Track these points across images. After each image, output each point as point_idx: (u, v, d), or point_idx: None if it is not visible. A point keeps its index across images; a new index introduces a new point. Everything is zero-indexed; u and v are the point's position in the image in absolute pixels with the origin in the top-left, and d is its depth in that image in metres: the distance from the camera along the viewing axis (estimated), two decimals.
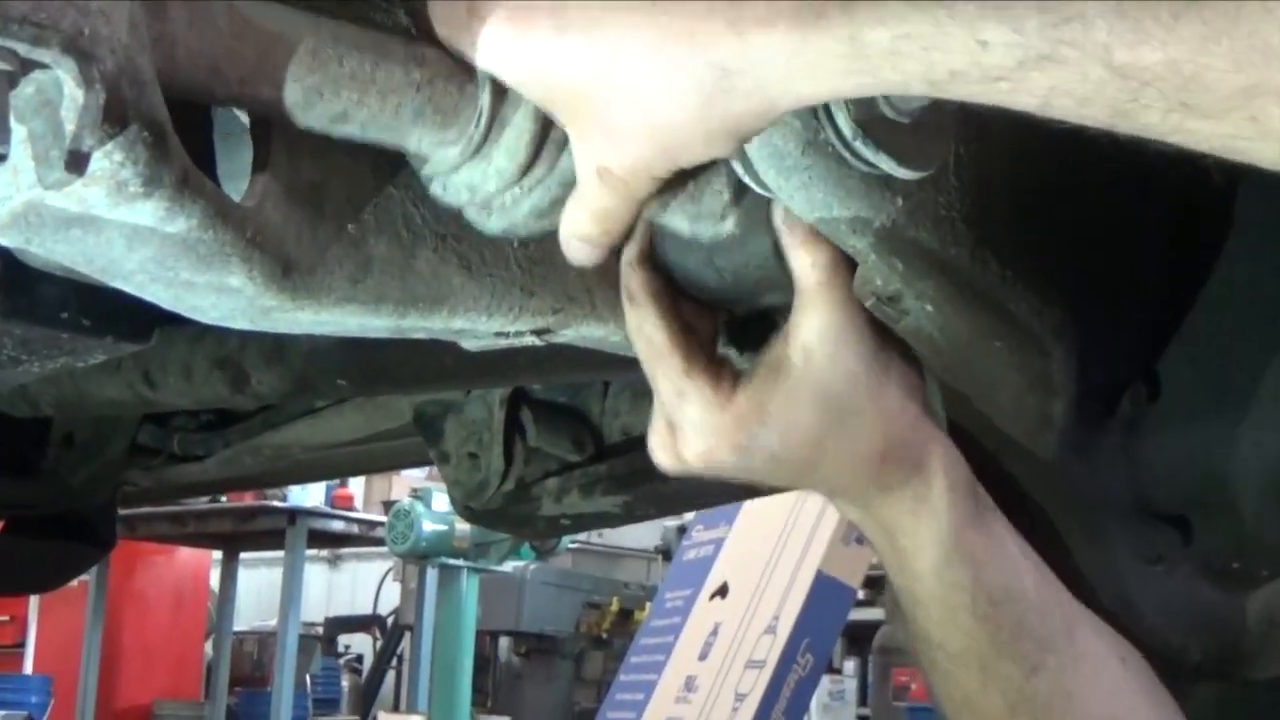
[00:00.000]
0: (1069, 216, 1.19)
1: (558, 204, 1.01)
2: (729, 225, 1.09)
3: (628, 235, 1.02)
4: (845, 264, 1.09)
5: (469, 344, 1.20)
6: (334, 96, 0.93)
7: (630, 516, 2.36)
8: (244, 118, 1.07)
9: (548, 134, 1.01)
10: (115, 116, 0.78)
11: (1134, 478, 1.28)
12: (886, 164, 0.99)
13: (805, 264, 1.09)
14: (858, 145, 0.98)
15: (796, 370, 1.09)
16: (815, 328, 1.09)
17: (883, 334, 1.12)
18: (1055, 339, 1.15)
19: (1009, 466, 1.24)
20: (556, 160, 1.02)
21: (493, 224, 1.06)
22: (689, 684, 5.82)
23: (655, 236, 1.11)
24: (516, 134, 1.01)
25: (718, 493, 2.39)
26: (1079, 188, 1.19)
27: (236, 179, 0.98)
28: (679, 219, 1.08)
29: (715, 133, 0.90)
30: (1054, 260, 1.16)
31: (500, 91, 0.99)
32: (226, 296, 0.96)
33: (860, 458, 1.13)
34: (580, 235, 0.99)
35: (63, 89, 0.75)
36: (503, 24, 0.91)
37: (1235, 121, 0.75)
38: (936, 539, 1.15)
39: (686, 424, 1.14)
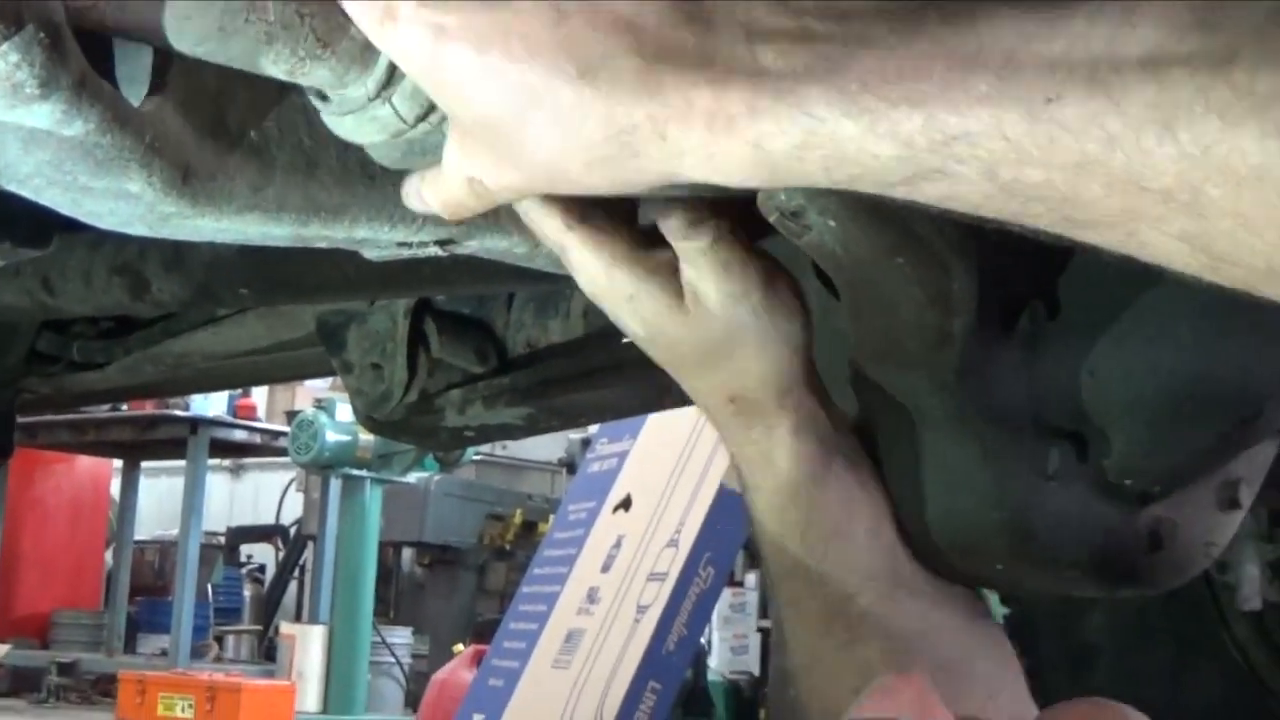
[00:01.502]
0: None
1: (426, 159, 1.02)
2: None
3: None
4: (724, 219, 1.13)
5: (371, 254, 1.19)
6: (229, 58, 0.92)
7: (534, 428, 2.37)
8: None
9: (423, 119, 1.01)
10: (10, 17, 0.77)
11: (1031, 395, 1.29)
12: None
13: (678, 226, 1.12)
14: None
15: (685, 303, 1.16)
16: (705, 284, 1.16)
17: (769, 275, 1.17)
18: (956, 255, 1.16)
19: (909, 382, 1.25)
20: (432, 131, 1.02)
21: (380, 158, 1.05)
22: (591, 595, 5.86)
23: None
24: (388, 116, 1.00)
25: (620, 405, 2.40)
26: None
27: (136, 84, 0.96)
28: None
29: (601, 188, 0.92)
30: None
31: (392, 80, 0.99)
32: (125, 202, 0.95)
33: (716, 393, 1.24)
34: (425, 204, 1.02)
35: None
36: (420, 31, 0.89)
37: (1117, 235, 0.79)
38: (770, 489, 1.27)
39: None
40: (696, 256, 1.12)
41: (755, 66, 0.85)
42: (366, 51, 0.96)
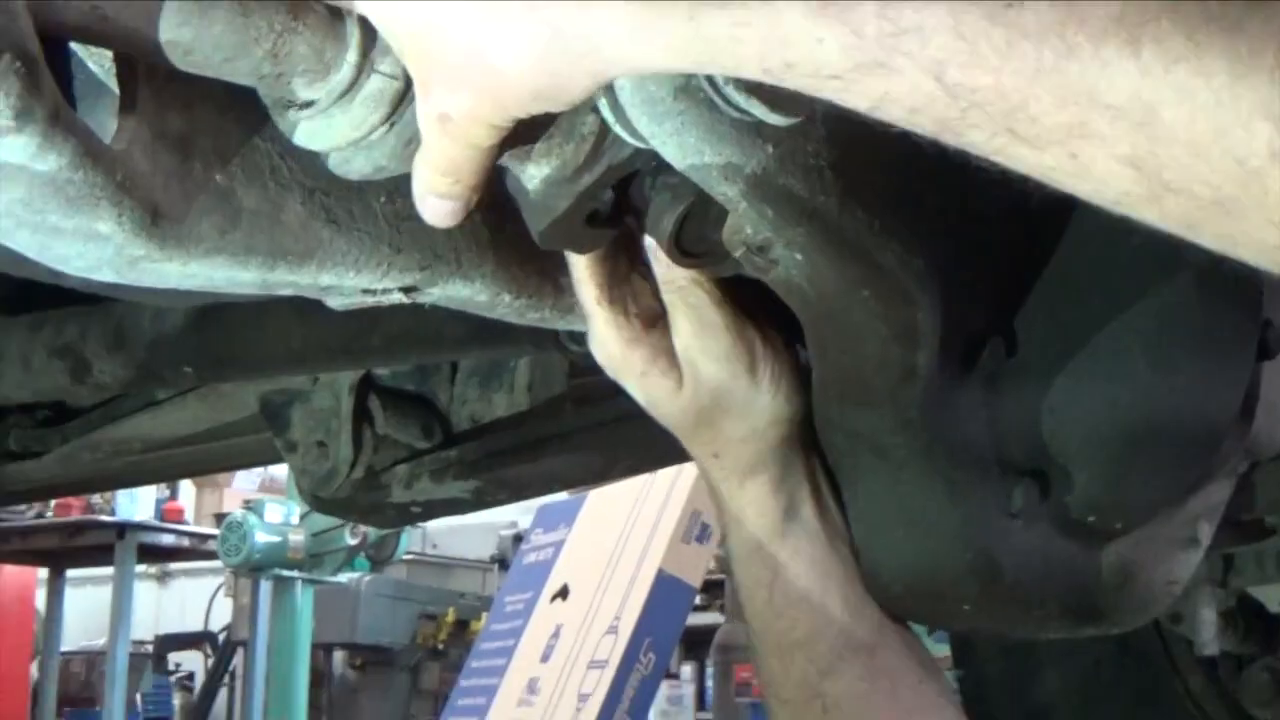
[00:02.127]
0: (930, 168, 1.20)
1: (413, 145, 1.00)
2: (599, 170, 1.08)
3: (481, 190, 1.01)
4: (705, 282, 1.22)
5: (335, 302, 1.18)
6: (206, 38, 0.92)
7: (481, 502, 2.35)
8: (102, 76, 1.06)
9: (410, 88, 1.00)
10: None
11: (993, 432, 1.30)
12: (758, 110, 0.99)
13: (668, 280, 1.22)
14: (729, 91, 0.98)
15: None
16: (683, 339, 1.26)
17: (754, 344, 1.26)
18: (921, 290, 1.16)
19: (873, 420, 1.25)
20: (411, 107, 1.01)
21: (353, 168, 1.04)
22: (531, 686, 5.81)
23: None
24: (381, 84, 1.00)
25: (568, 476, 2.39)
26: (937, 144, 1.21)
27: (100, 129, 0.96)
28: (545, 167, 1.08)
29: (544, 89, 0.90)
30: (917, 212, 1.17)
31: (368, 41, 0.98)
32: (94, 244, 0.94)
33: (703, 450, 1.34)
34: (431, 189, 0.99)
35: None
36: None
37: (1056, 155, 0.77)
38: (740, 540, 1.33)
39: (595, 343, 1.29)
40: (683, 308, 1.20)
41: None
42: (334, 20, 0.96)
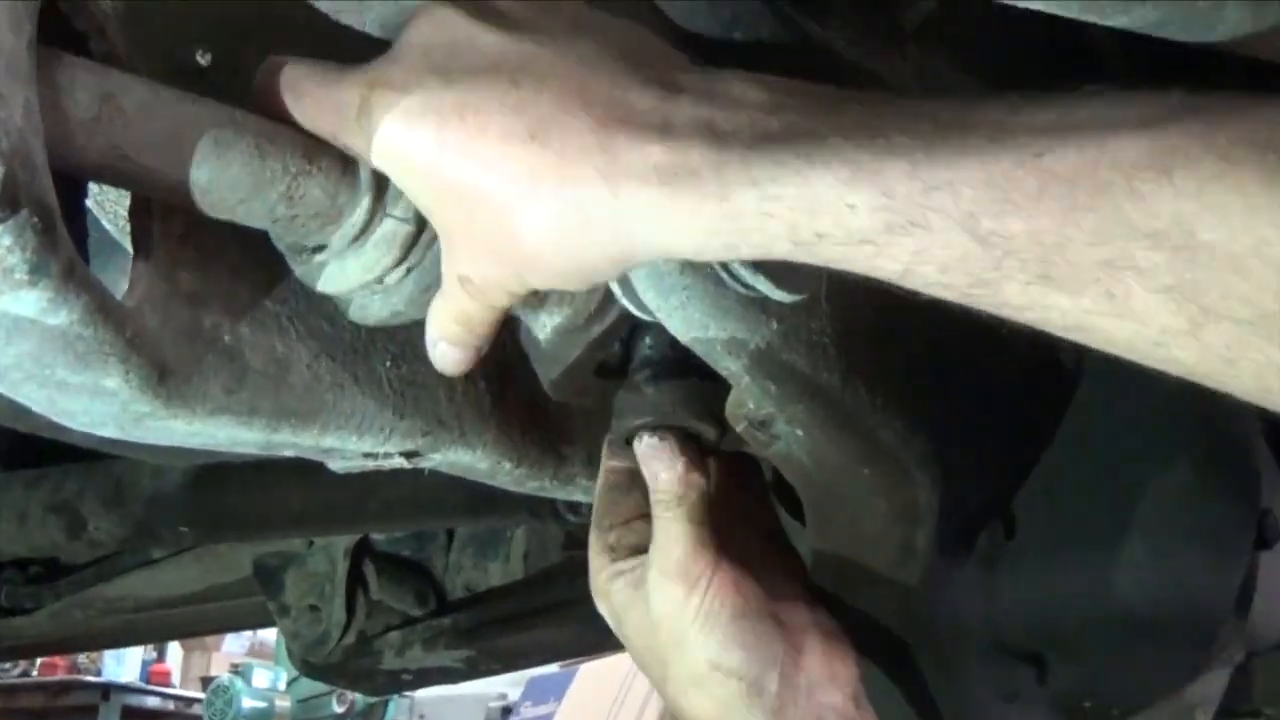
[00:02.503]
0: (929, 351, 1.21)
1: (430, 291, 1.02)
2: (610, 319, 1.10)
3: (491, 342, 1.02)
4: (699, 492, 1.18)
5: (336, 465, 1.19)
6: (223, 179, 0.93)
7: (474, 671, 2.34)
8: (115, 234, 1.07)
9: (423, 231, 1.01)
10: (8, 198, 0.77)
11: (991, 614, 1.30)
12: (764, 286, 1.01)
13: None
14: (735, 267, 1.00)
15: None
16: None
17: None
18: (922, 469, 1.17)
19: (871, 600, 1.25)
20: (428, 253, 1.02)
21: (370, 314, 1.05)
22: None
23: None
24: (394, 228, 1.01)
25: (561, 647, 2.38)
26: (935, 324, 1.22)
27: (112, 286, 0.97)
28: (557, 316, 1.09)
29: (569, 270, 0.90)
30: (919, 391, 1.18)
31: (381, 185, 0.99)
32: (100, 400, 0.95)
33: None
34: (444, 335, 1.00)
35: None
36: (394, 124, 0.91)
37: (1093, 296, 0.76)
38: None
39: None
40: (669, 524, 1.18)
41: (719, 129, 0.84)
42: (347, 166, 0.97)
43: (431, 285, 1.00)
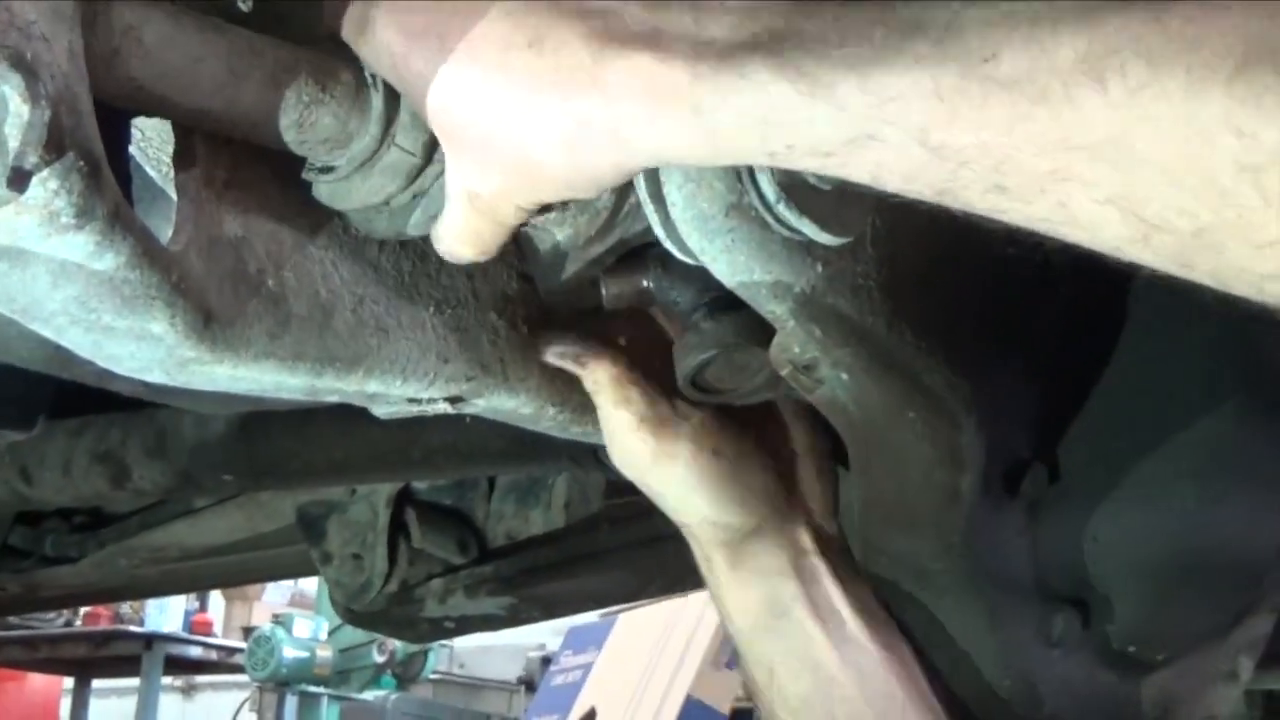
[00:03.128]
0: (973, 296, 1.21)
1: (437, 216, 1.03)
2: (610, 241, 1.10)
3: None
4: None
5: (381, 410, 1.19)
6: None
7: (515, 619, 2.35)
8: (158, 180, 1.07)
9: (433, 154, 1.02)
10: (54, 142, 0.78)
11: (1035, 559, 1.30)
12: (809, 229, 1.00)
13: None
14: (781, 210, 0.99)
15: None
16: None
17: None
18: (966, 413, 1.16)
19: (916, 545, 1.24)
20: (436, 183, 1.04)
21: (375, 229, 1.07)
22: None
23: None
24: (399, 158, 1.02)
25: (603, 595, 2.38)
26: (982, 268, 1.22)
27: (156, 232, 0.97)
28: (559, 234, 1.10)
29: (575, 178, 0.93)
30: (963, 336, 1.18)
31: (390, 114, 1.01)
32: (146, 345, 0.95)
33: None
34: (451, 252, 1.02)
35: (8, 105, 0.74)
36: (392, 34, 0.94)
37: (1045, 206, 0.77)
38: (732, 632, 1.31)
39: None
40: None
41: (700, 38, 0.86)
42: (359, 93, 1.00)
43: (439, 212, 1.01)
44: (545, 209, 1.03)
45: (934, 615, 1.28)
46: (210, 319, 0.97)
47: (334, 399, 1.13)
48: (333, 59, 1.00)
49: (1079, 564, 1.32)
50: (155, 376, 1.00)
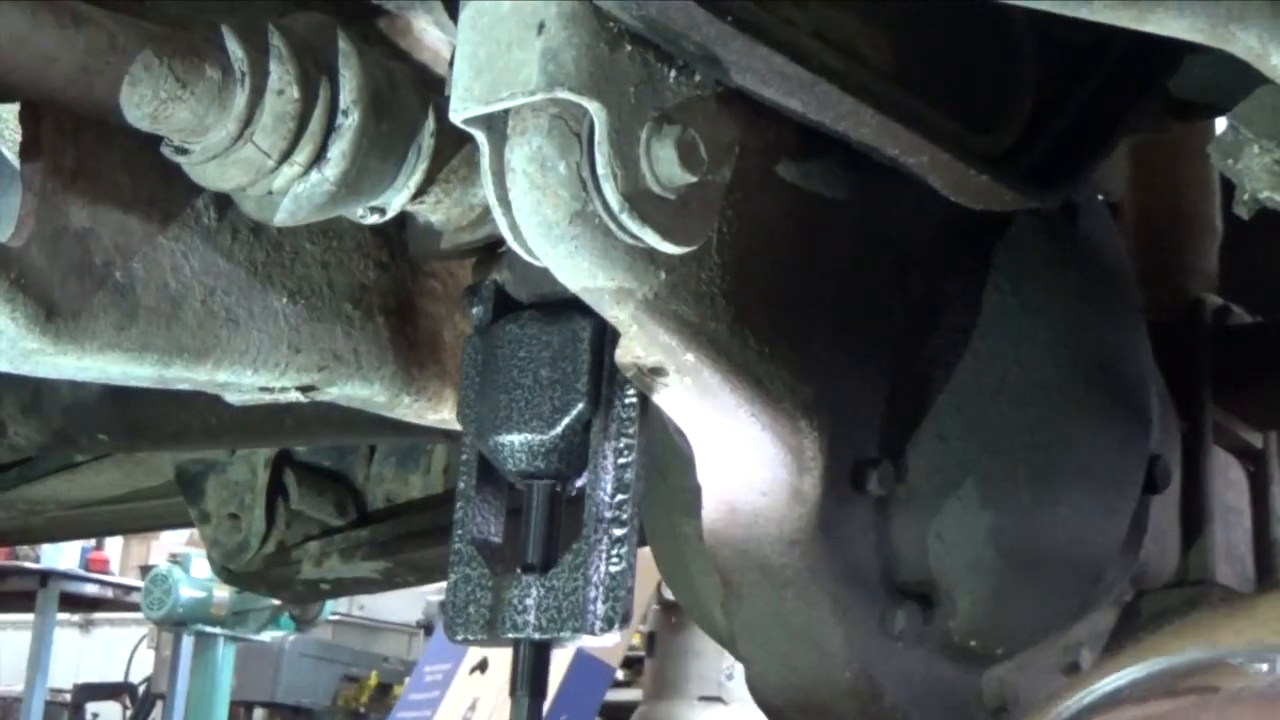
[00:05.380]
0: (823, 298, 1.23)
1: (333, 197, 1.04)
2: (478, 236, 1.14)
3: None
4: None
5: (233, 398, 1.20)
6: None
7: (390, 583, 2.36)
8: (13, 161, 1.07)
9: (306, 125, 1.03)
10: None
11: (880, 554, 1.32)
12: (651, 237, 1.02)
13: None
14: (624, 218, 1.01)
15: None
16: None
17: None
18: (808, 416, 1.18)
19: (761, 540, 1.26)
20: (322, 148, 1.05)
21: (247, 208, 1.08)
22: None
23: None
24: (252, 155, 1.03)
25: None
26: (832, 271, 1.24)
27: (3, 222, 0.98)
28: (433, 215, 1.14)
29: None
30: (807, 339, 1.20)
31: (251, 112, 1.01)
32: None
33: None
34: None
35: None
36: None
37: None
38: None
39: None
40: None
41: None
42: (224, 91, 1.00)
43: (306, 215, 1.03)
44: (423, 194, 1.04)
45: (778, 606, 1.30)
46: (53, 312, 0.98)
47: (185, 387, 1.14)
48: (204, 48, 1.00)
49: (923, 560, 1.34)
50: (0, 366, 1.01)
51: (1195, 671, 0.82)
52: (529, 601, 1.18)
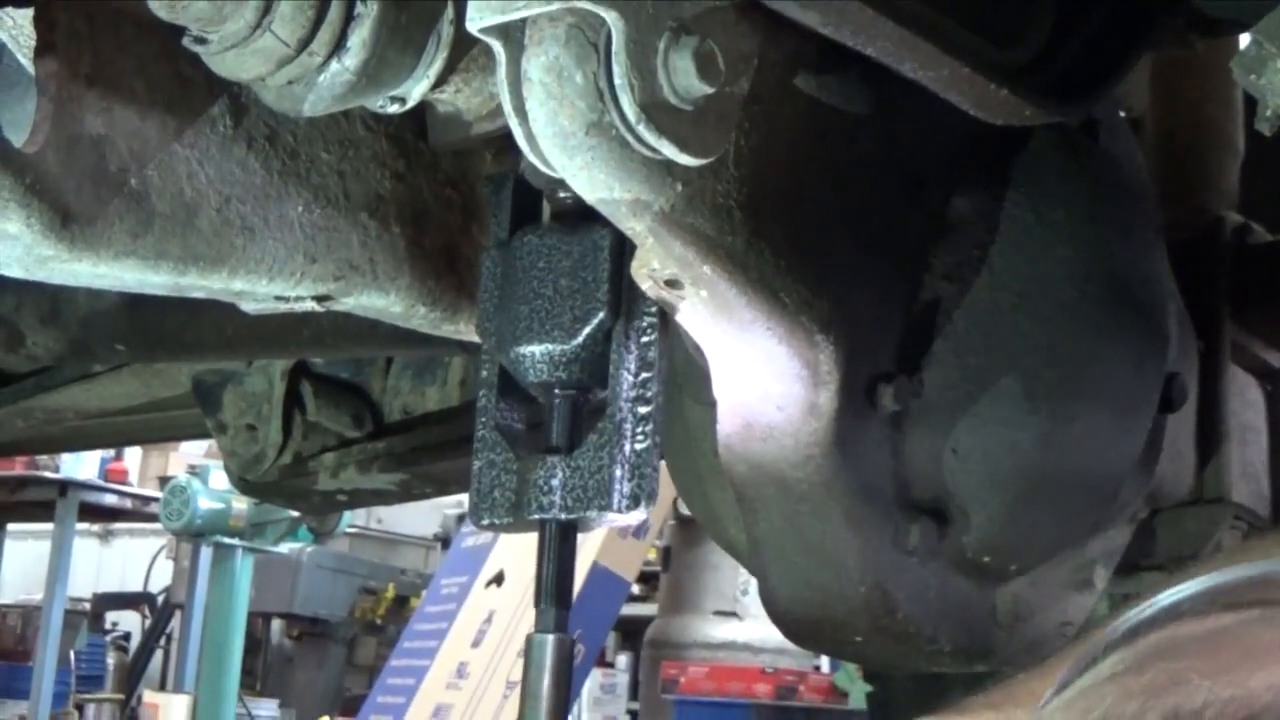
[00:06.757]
0: (840, 213, 1.22)
1: (353, 87, 1.04)
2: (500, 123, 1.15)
3: None
4: None
5: (249, 307, 1.20)
6: None
7: (407, 495, 2.37)
8: (28, 66, 1.07)
9: (324, 14, 1.03)
10: None
11: (895, 469, 1.32)
12: (668, 149, 1.01)
13: None
14: (641, 129, 1.00)
15: None
16: None
17: None
18: (824, 331, 1.18)
19: (775, 454, 1.27)
20: (342, 37, 1.04)
21: (269, 100, 1.08)
22: (460, 670, 5.82)
23: None
24: (271, 44, 1.03)
25: None
26: (850, 186, 1.23)
27: (19, 128, 0.97)
28: (449, 105, 1.15)
29: None
30: (824, 254, 1.19)
31: (269, 2, 1.01)
32: (4, 244, 0.96)
33: None
34: None
35: None
36: None
37: None
38: None
39: None
40: None
41: None
42: None
43: (329, 103, 1.03)
44: (443, 84, 1.05)
45: (792, 520, 1.31)
46: (69, 218, 0.98)
47: (200, 295, 1.14)
48: None
49: (938, 475, 1.34)
50: (14, 272, 1.01)
51: (1256, 586, 0.82)
52: (554, 482, 1.19)
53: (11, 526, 11.55)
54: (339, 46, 1.05)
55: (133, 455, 11.93)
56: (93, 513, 11.05)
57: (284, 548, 10.39)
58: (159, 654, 12.72)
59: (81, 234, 0.99)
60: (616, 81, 1.00)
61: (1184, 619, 0.83)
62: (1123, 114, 1.60)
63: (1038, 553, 1.43)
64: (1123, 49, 1.34)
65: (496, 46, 1.01)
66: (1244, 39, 1.02)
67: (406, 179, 1.25)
